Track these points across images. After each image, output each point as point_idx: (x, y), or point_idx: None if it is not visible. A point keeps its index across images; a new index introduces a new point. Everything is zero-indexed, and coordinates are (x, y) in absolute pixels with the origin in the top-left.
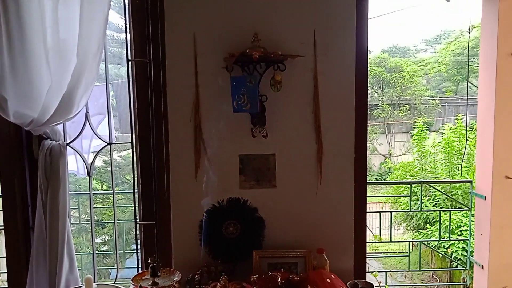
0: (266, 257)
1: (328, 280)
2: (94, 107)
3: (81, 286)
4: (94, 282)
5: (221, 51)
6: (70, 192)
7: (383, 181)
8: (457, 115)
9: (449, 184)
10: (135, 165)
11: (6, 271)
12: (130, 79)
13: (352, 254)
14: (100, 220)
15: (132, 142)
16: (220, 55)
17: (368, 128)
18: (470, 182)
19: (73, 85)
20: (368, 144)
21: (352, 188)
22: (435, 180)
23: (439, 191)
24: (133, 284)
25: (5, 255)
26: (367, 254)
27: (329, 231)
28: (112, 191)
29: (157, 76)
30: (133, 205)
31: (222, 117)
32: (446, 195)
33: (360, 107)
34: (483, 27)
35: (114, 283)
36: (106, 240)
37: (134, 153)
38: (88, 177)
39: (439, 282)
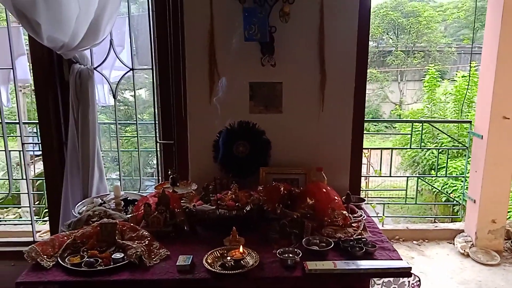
0: (271, 173)
1: (324, 190)
2: (115, 38)
3: (110, 193)
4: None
5: None
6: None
7: (383, 119)
8: (471, 63)
9: (456, 132)
10: (155, 90)
11: (44, 180)
12: (150, 9)
13: (348, 174)
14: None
15: (152, 68)
16: None
17: (379, 74)
18: (470, 122)
19: (99, 12)
20: (379, 92)
21: (351, 115)
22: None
23: (441, 131)
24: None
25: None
26: (373, 201)
27: (328, 153)
28: (135, 121)
29: (175, 6)
30: (153, 126)
31: (234, 47)
32: (445, 133)
33: (362, 40)
34: None
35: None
36: (124, 173)
37: (154, 79)
38: (111, 102)
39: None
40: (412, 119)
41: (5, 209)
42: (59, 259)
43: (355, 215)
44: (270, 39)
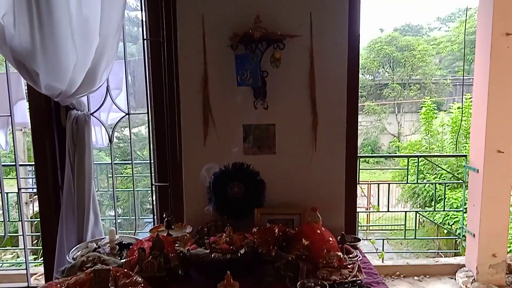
0: (266, 214)
1: (319, 231)
2: (112, 82)
3: (105, 237)
4: (116, 234)
5: (227, 31)
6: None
7: (379, 154)
8: (466, 94)
9: (455, 163)
10: (151, 133)
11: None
12: (146, 56)
13: (343, 213)
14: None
15: (148, 112)
16: (226, 35)
17: (376, 106)
18: (465, 156)
19: (96, 61)
20: (377, 124)
21: (344, 154)
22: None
23: (437, 165)
24: (150, 235)
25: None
26: (374, 234)
27: (322, 192)
28: (130, 161)
29: (169, 53)
30: (149, 170)
31: (227, 91)
32: (441, 167)
33: (352, 82)
34: (480, 8)
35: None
36: (120, 213)
37: (150, 122)
38: (108, 144)
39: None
40: (408, 154)
41: (2, 250)
42: None
43: (350, 255)
44: (262, 83)
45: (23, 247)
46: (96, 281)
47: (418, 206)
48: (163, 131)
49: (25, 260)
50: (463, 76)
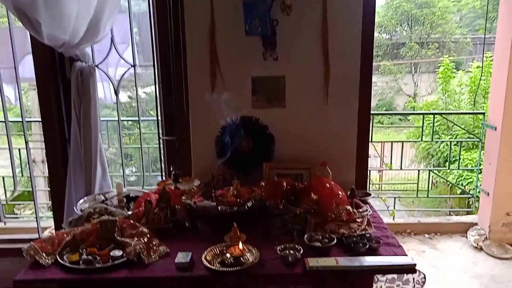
0: (275, 168)
1: (328, 185)
2: (118, 36)
3: (113, 190)
4: (124, 187)
5: None
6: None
7: (393, 112)
8: (486, 53)
9: (472, 123)
10: (157, 86)
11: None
12: (151, 5)
13: (354, 170)
14: (126, 154)
15: (154, 65)
16: None
17: (392, 66)
18: (483, 114)
19: (99, 10)
20: (393, 84)
21: (357, 107)
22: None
23: (453, 123)
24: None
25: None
26: (385, 195)
27: (333, 147)
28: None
29: (175, 2)
30: (156, 123)
31: (235, 41)
32: (458, 125)
33: (367, 31)
34: None
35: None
36: (133, 171)
37: (156, 75)
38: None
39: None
40: (423, 111)
41: (21, 205)
42: (58, 257)
43: (360, 210)
44: (272, 32)
45: (41, 202)
46: (102, 232)
47: (432, 166)
48: (169, 83)
49: (35, 213)
50: (484, 35)
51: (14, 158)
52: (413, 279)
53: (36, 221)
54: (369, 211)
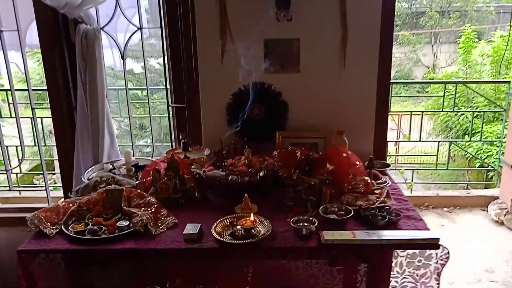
0: (288, 137)
1: (344, 155)
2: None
3: (121, 159)
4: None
5: None
6: (108, 87)
7: (413, 81)
8: (510, 22)
9: (493, 95)
10: (165, 50)
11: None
12: None
13: (372, 139)
14: (142, 124)
15: (161, 27)
16: None
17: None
18: (508, 82)
19: None
20: (411, 55)
21: (376, 73)
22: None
23: (476, 92)
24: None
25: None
26: (402, 166)
27: (350, 115)
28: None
29: None
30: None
31: (246, 0)
32: (481, 94)
33: None
34: None
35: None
36: (147, 142)
37: (164, 38)
38: (124, 62)
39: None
40: (444, 80)
41: (40, 175)
42: (62, 227)
43: (378, 181)
44: None
45: (55, 171)
46: (108, 201)
47: (451, 139)
48: (177, 49)
49: (44, 182)
50: (510, 3)
51: (23, 128)
52: (436, 254)
53: (46, 190)
54: (389, 183)
